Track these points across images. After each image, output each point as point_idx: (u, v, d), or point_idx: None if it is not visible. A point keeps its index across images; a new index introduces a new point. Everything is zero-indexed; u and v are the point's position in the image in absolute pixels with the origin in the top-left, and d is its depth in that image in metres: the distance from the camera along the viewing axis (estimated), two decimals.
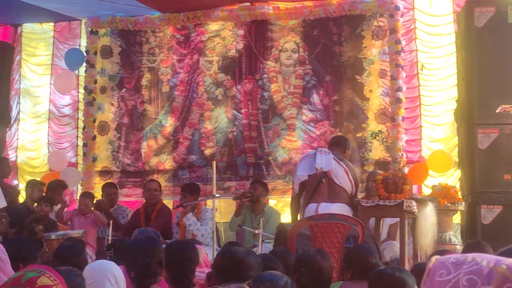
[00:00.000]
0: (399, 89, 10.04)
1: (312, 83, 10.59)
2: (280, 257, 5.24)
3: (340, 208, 7.48)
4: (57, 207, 9.90)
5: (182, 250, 4.84)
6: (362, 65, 10.35)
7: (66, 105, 12.10)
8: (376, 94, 10.28)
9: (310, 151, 8.64)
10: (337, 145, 8.09)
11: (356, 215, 7.53)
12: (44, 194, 9.69)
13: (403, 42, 10.18)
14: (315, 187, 7.77)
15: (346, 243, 6.82)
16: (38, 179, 10.79)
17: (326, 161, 7.77)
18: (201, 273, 5.29)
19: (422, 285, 2.53)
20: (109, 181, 11.01)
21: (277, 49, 10.76)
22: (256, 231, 8.51)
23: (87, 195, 9.65)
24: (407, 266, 7.39)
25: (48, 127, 12.10)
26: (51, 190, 9.80)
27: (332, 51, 10.51)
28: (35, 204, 9.44)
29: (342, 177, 7.73)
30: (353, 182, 7.80)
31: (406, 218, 7.67)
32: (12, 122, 11.84)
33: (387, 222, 8.70)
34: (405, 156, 9.82)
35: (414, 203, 7.67)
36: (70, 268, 3.66)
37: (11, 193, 9.89)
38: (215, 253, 8.00)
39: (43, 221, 8.87)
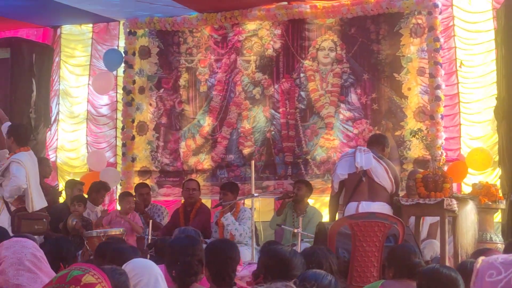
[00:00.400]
0: (438, 87, 9.96)
1: (349, 81, 10.55)
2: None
3: (380, 207, 7.47)
4: (99, 208, 9.99)
5: (223, 249, 4.84)
6: (400, 63, 10.28)
7: (104, 105, 12.18)
8: (414, 92, 10.21)
9: (350, 149, 8.62)
10: (376, 144, 8.07)
11: (397, 213, 7.50)
12: (83, 194, 9.79)
13: (442, 40, 10.09)
14: (355, 186, 7.76)
15: (386, 242, 6.80)
16: (78, 179, 10.89)
17: (366, 159, 7.75)
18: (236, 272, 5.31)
19: (472, 286, 2.51)
20: (140, 181, 11.07)
21: (314, 47, 10.74)
22: (295, 230, 8.51)
23: (129, 194, 9.72)
24: (448, 265, 7.35)
25: (87, 128, 12.18)
26: (95, 191, 9.88)
27: (370, 49, 10.46)
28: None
29: (382, 175, 7.71)
30: (393, 180, 7.78)
31: (446, 217, 7.63)
32: (51, 123, 11.94)
33: (427, 221, 8.65)
34: (444, 154, 9.79)
35: (454, 201, 7.63)
36: (114, 267, 3.68)
37: (51, 192, 9.99)
38: (254, 252, 8.04)
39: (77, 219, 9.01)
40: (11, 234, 6.41)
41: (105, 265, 3.78)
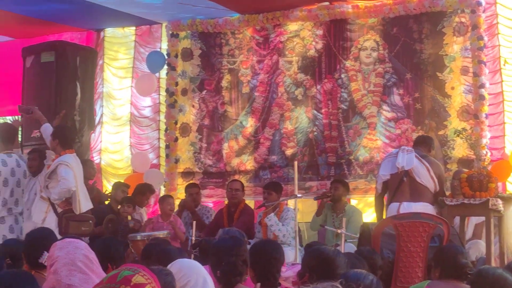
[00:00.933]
0: (482, 86, 9.86)
1: (392, 81, 10.50)
2: (366, 256, 5.23)
3: (422, 208, 7.43)
4: (143, 210, 10.09)
5: (267, 250, 4.86)
6: (443, 62, 10.19)
7: (147, 107, 12.25)
8: (458, 91, 10.11)
9: (393, 150, 8.58)
10: (422, 144, 8.04)
11: (441, 213, 7.45)
12: (128, 195, 9.88)
13: (486, 38, 10.00)
14: (396, 186, 7.74)
15: (431, 242, 6.77)
16: (122, 180, 10.98)
17: (407, 159, 7.72)
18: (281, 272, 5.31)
19: None
20: (190, 182, 11.14)
21: (356, 47, 10.70)
22: (339, 231, 8.49)
23: (169, 196, 9.79)
24: (494, 265, 7.28)
25: (130, 130, 12.27)
26: (140, 193, 9.97)
27: (412, 48, 10.39)
28: (119, 205, 9.63)
29: (424, 175, 7.67)
30: (436, 180, 7.72)
31: (491, 217, 7.57)
32: (95, 125, 12.05)
33: (472, 221, 8.58)
34: (489, 153, 9.69)
35: (500, 201, 7.57)
36: (160, 267, 3.72)
37: (96, 193, 10.08)
38: (298, 253, 8.04)
39: (120, 221, 9.11)
40: (58, 236, 6.50)
41: (151, 266, 3.82)
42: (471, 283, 4.44)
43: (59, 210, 8.23)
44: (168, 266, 4.13)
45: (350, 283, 3.64)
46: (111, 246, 5.33)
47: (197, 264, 4.35)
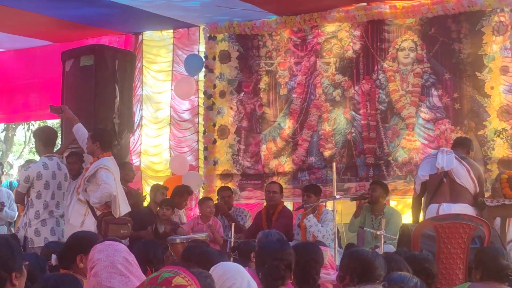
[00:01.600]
0: None
1: (430, 81, 10.42)
2: (405, 258, 5.19)
3: (462, 209, 7.38)
4: (182, 212, 10.14)
5: (306, 252, 4.87)
6: (483, 62, 10.09)
7: (186, 110, 12.31)
8: (497, 91, 10.01)
9: (432, 151, 8.52)
10: (461, 146, 7.98)
11: (481, 214, 7.39)
12: (167, 198, 9.93)
13: None
14: (436, 187, 7.69)
15: (472, 244, 6.71)
16: (161, 183, 11.04)
17: (447, 160, 7.67)
18: (327, 274, 5.31)
19: None
20: (222, 185, 11.16)
21: (394, 48, 10.64)
22: (378, 232, 8.47)
23: (209, 198, 9.83)
24: None
25: (169, 132, 12.34)
26: (178, 195, 10.02)
27: (451, 48, 10.31)
28: (158, 207, 9.68)
29: (464, 176, 7.61)
30: (476, 181, 7.66)
31: None
32: (135, 128, 12.13)
33: None
34: None
35: None
36: (200, 270, 3.73)
37: (134, 196, 10.14)
38: (337, 255, 8.02)
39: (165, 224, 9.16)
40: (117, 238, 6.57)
41: (191, 269, 3.84)
42: None
43: (98, 213, 8.29)
44: (212, 269, 4.15)
45: (394, 285, 3.64)
46: (150, 249, 5.36)
47: (240, 267, 4.35)
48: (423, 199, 8.27)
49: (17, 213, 10.99)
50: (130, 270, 4.14)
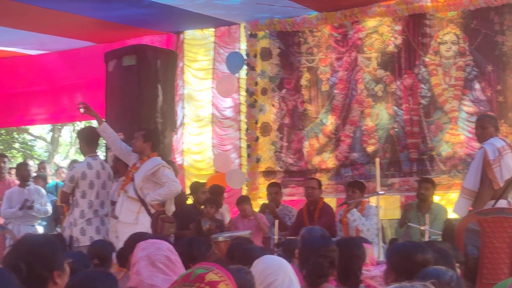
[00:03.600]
0: None
1: (473, 74, 10.30)
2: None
3: None
4: (224, 209, 10.21)
5: (348, 247, 4.86)
6: None
7: (228, 108, 12.35)
8: None
9: (497, 141, 8.23)
10: (490, 127, 7.82)
11: None
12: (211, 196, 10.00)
13: None
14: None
15: None
16: (202, 181, 11.11)
17: None
18: (367, 271, 5.29)
19: None
20: (272, 180, 11.19)
21: (436, 41, 10.54)
22: (422, 227, 8.43)
23: (241, 201, 9.86)
24: None
25: (212, 130, 12.39)
26: (217, 194, 10.12)
27: (493, 40, 10.19)
28: (202, 206, 9.76)
29: None
30: None
31: None
32: (177, 127, 12.21)
33: None
34: None
35: None
36: (240, 266, 3.74)
37: (178, 195, 10.22)
38: (381, 250, 8.00)
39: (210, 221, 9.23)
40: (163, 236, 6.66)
41: (232, 266, 3.86)
42: None
43: (153, 211, 8.39)
44: (255, 263, 4.15)
45: (429, 279, 3.61)
46: (194, 246, 5.40)
47: (283, 261, 4.32)
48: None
49: (50, 207, 11.11)
50: (172, 269, 4.17)
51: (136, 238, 5.16)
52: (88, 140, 8.99)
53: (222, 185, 10.64)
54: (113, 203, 8.80)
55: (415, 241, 5.11)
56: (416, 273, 3.87)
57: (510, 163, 7.70)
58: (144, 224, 8.28)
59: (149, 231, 8.16)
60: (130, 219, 8.30)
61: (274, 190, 10.47)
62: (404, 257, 4.32)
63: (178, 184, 8.54)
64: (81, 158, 9.36)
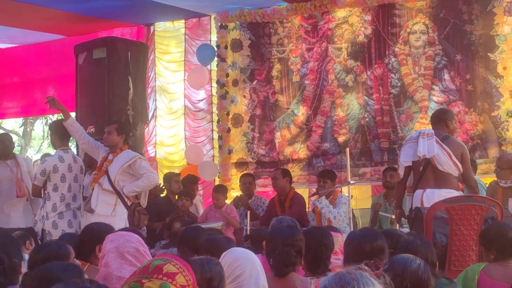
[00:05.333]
0: None
1: (442, 63, 10.39)
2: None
3: (447, 194, 7.28)
4: (197, 200, 10.22)
5: (316, 237, 4.88)
6: (495, 43, 10.05)
7: (201, 100, 12.35)
8: (510, 71, 9.95)
9: (414, 133, 8.38)
10: (438, 121, 7.82)
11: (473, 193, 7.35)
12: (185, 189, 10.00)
13: None
14: (420, 173, 7.62)
15: (485, 225, 6.69)
16: (176, 172, 11.11)
17: (429, 146, 7.52)
18: (337, 260, 5.33)
19: None
20: (246, 171, 11.21)
21: (405, 31, 10.61)
22: (392, 216, 8.51)
23: (217, 190, 9.84)
24: None
25: (184, 122, 12.39)
26: (185, 186, 10.12)
27: (462, 30, 10.27)
28: (176, 196, 9.76)
29: (446, 162, 7.46)
30: (457, 163, 7.50)
31: None
32: (149, 119, 12.19)
33: None
34: None
35: None
36: (209, 257, 3.76)
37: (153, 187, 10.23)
38: None
39: (182, 217, 9.23)
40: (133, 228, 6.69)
41: (200, 256, 3.88)
42: None
43: (129, 203, 8.40)
44: (222, 255, 4.16)
45: (397, 267, 3.66)
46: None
47: (251, 253, 4.33)
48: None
49: None
50: (141, 260, 4.17)
51: (93, 229, 5.16)
52: (59, 133, 8.92)
53: (194, 175, 10.64)
54: (84, 198, 8.77)
55: (367, 230, 5.11)
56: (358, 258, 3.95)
57: (406, 151, 7.82)
58: (122, 216, 8.27)
59: (126, 223, 8.17)
60: (107, 212, 8.27)
61: (248, 181, 10.46)
62: (354, 247, 4.39)
63: (156, 175, 8.58)
64: (53, 151, 9.28)
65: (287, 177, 9.87)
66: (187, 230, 6.06)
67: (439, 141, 7.52)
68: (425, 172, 7.55)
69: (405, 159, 7.74)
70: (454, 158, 7.44)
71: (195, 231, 5.92)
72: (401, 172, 7.80)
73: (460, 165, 7.46)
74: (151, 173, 8.44)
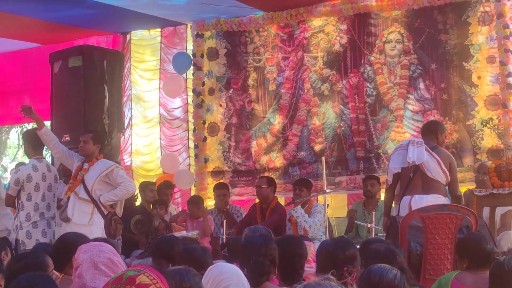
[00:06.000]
0: (509, 74, 9.77)
1: (418, 72, 10.46)
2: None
3: (433, 200, 7.33)
4: (172, 208, 10.17)
5: (290, 246, 4.88)
6: (469, 52, 10.14)
7: (176, 108, 12.32)
8: (485, 81, 10.04)
9: (404, 141, 8.47)
10: (428, 132, 7.91)
11: (458, 203, 7.40)
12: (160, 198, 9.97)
13: (511, 26, 9.91)
14: (408, 179, 7.66)
15: (459, 234, 6.73)
16: (151, 180, 11.08)
17: (418, 153, 7.59)
18: (310, 268, 5.32)
19: None
20: (220, 181, 11.18)
21: (381, 40, 10.67)
22: (369, 225, 8.52)
23: (192, 202, 9.81)
24: None
25: (160, 131, 12.35)
26: (161, 193, 10.09)
27: (437, 39, 10.35)
28: (151, 205, 9.73)
29: (435, 169, 7.53)
30: (446, 171, 7.57)
31: None
32: (125, 128, 12.14)
33: (498, 211, 8.51)
34: None
35: None
36: (187, 268, 3.74)
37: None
38: None
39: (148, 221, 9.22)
40: (106, 238, 6.63)
41: (178, 266, 3.86)
42: (490, 273, 4.44)
43: (106, 212, 8.37)
44: (209, 269, 4.14)
45: (373, 277, 3.66)
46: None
47: (237, 269, 4.31)
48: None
49: None
50: (115, 271, 4.13)
51: (70, 240, 5.11)
52: (33, 142, 8.85)
53: (169, 181, 10.59)
54: (59, 207, 8.71)
55: (339, 238, 5.14)
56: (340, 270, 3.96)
57: (395, 158, 7.88)
58: (99, 225, 8.24)
59: (103, 232, 8.14)
60: (84, 221, 8.23)
61: (222, 193, 10.39)
62: (326, 255, 4.40)
63: (133, 184, 8.56)
64: (27, 161, 9.21)
65: (271, 186, 9.87)
66: (162, 241, 6.03)
67: (429, 149, 7.59)
68: (414, 179, 7.60)
69: (394, 165, 7.80)
70: (443, 166, 7.52)
71: (170, 242, 5.90)
72: (389, 178, 7.85)
73: (448, 174, 7.53)
74: (129, 182, 8.43)
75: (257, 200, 10.20)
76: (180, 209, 11.20)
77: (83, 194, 8.32)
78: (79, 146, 8.61)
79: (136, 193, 10.53)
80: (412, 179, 7.62)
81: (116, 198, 8.34)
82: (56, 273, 4.63)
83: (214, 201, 10.73)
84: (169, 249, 5.70)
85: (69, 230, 7.96)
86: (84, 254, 4.25)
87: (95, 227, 8.13)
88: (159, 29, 12.33)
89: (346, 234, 9.52)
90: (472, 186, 9.14)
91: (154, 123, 12.43)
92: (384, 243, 5.01)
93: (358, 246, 4.87)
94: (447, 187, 7.73)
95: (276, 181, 10.86)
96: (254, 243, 4.72)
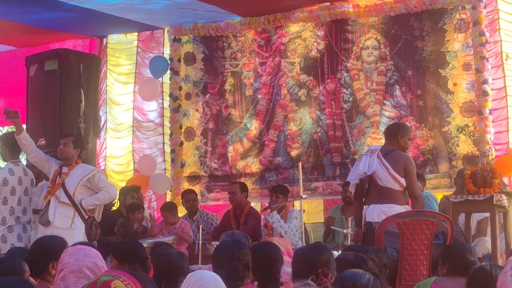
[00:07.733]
0: (484, 81, 9.84)
1: (394, 78, 10.50)
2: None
3: (386, 209, 7.33)
4: (147, 213, 10.13)
5: (266, 252, 4.90)
6: (445, 59, 10.19)
7: (151, 111, 12.27)
8: (460, 88, 10.10)
9: (364, 152, 8.47)
10: (389, 136, 7.88)
11: (417, 204, 7.41)
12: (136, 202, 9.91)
13: (487, 34, 9.98)
14: (367, 189, 7.71)
15: (435, 240, 6.77)
16: (124, 184, 11.02)
17: (370, 163, 7.59)
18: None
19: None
20: (187, 188, 11.12)
21: (358, 47, 10.71)
22: (345, 231, 8.54)
23: (165, 208, 9.79)
24: (500, 262, 7.30)
25: (133, 134, 12.25)
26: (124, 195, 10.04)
27: (414, 46, 10.40)
28: (129, 212, 9.67)
29: (384, 177, 7.48)
30: (398, 177, 7.51)
31: (496, 213, 7.58)
32: (100, 132, 12.09)
33: (474, 218, 8.57)
34: (493, 149, 9.65)
35: (504, 196, 7.58)
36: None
37: None
38: None
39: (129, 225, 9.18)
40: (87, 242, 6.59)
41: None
42: (467, 280, 4.48)
43: (86, 216, 8.32)
44: (189, 276, 4.13)
45: (347, 282, 3.67)
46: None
47: (217, 276, 4.28)
48: None
49: None
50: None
51: (47, 245, 5.03)
52: (10, 145, 8.77)
53: (134, 185, 10.50)
54: (37, 211, 8.64)
55: (314, 244, 5.14)
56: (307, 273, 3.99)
57: (353, 169, 7.93)
58: (80, 230, 8.18)
59: (84, 236, 8.08)
60: (66, 225, 8.17)
61: (191, 198, 10.36)
62: (302, 260, 4.46)
63: (115, 189, 8.53)
64: (3, 164, 9.14)
65: (244, 191, 9.87)
66: (134, 245, 5.96)
67: (381, 156, 7.56)
68: (370, 189, 7.62)
69: (351, 177, 7.84)
70: (392, 172, 7.45)
71: (141, 246, 5.83)
72: (351, 189, 7.88)
73: (401, 179, 7.47)
74: (111, 186, 8.40)
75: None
76: (155, 214, 11.16)
77: (64, 198, 8.26)
78: (59, 149, 8.54)
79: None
80: (368, 189, 7.64)
81: (98, 203, 8.31)
82: (32, 279, 4.58)
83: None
84: (140, 254, 5.63)
85: (49, 234, 7.93)
86: (69, 257, 4.22)
87: (77, 231, 8.09)
88: (136, 33, 12.28)
89: (324, 241, 9.55)
90: (448, 192, 9.20)
91: (127, 126, 12.34)
92: (354, 251, 5.02)
93: (334, 252, 4.90)
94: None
95: (252, 186, 10.91)
96: (226, 248, 4.74)
